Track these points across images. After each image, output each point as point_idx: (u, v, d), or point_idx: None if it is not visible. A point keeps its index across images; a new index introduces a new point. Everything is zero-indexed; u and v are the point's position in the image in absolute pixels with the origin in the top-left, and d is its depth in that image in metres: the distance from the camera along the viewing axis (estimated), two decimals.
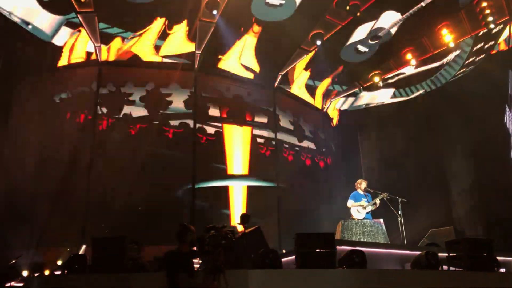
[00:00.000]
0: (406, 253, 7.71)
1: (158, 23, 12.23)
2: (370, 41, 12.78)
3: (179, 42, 12.39)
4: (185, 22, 12.17)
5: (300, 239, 6.37)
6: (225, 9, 10.93)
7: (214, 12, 10.52)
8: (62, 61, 12.26)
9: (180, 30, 12.27)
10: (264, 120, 13.43)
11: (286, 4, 11.08)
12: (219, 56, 12.99)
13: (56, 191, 10.83)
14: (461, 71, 14.30)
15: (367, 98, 15.93)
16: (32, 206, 10.62)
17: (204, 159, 12.13)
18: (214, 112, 12.72)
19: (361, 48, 12.99)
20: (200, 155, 11.98)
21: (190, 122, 12.19)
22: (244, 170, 12.55)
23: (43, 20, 11.28)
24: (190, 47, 12.30)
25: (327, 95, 15.48)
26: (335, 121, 16.25)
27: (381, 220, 9.44)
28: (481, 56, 13.70)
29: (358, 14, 10.85)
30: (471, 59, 13.87)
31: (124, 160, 11.11)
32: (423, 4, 11.17)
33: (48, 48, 11.96)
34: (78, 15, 10.52)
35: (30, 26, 11.20)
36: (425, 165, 14.89)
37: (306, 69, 14.48)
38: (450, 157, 15.18)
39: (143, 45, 12.38)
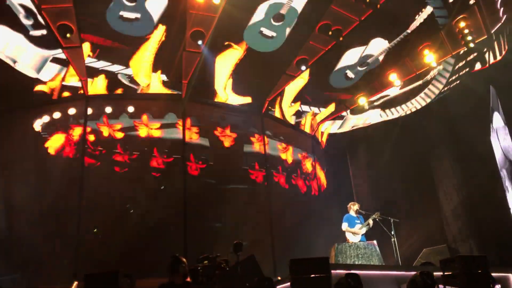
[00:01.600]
0: (402, 273, 7.69)
1: (158, 33, 12.02)
2: (359, 68, 13.13)
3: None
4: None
5: (295, 265, 6.34)
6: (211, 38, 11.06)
7: (199, 42, 10.63)
8: (48, 96, 12.25)
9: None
10: (253, 146, 13.47)
11: (277, 36, 11.37)
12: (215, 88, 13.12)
13: (44, 228, 10.68)
14: (445, 89, 14.55)
15: (354, 120, 16.10)
16: (21, 243, 10.45)
17: (195, 188, 12.06)
18: (204, 141, 12.74)
19: (350, 74, 13.29)
20: (191, 184, 11.94)
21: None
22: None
23: (29, 57, 11.36)
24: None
25: (313, 119, 15.63)
26: (323, 144, 16.34)
27: (375, 242, 9.46)
28: (464, 71, 13.99)
29: (341, 38, 11.02)
30: (454, 77, 14.13)
31: (114, 192, 11.03)
32: (408, 31, 11.51)
33: (35, 84, 11.98)
34: (64, 51, 10.55)
35: (17, 64, 11.28)
36: (415, 183, 14.98)
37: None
38: (439, 175, 15.31)
39: (139, 62, 12.31)
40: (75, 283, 9.66)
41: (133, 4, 10.60)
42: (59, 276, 10.13)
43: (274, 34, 11.49)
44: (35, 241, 10.46)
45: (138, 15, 10.81)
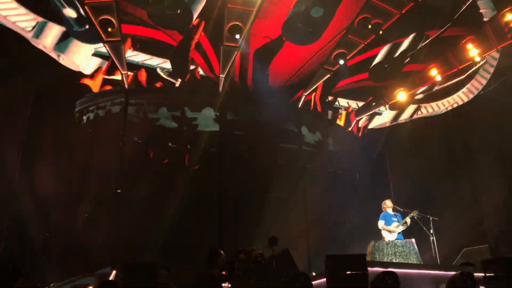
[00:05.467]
0: (440, 273, 7.52)
1: (196, 27, 12.17)
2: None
3: None
4: None
5: (331, 261, 6.27)
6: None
7: (237, 36, 10.64)
8: (90, 89, 12.56)
9: None
10: (289, 140, 13.45)
11: (314, 31, 11.22)
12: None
13: (84, 217, 11.01)
14: (489, 84, 14.10)
15: (392, 115, 15.80)
16: (61, 231, 10.78)
17: (232, 181, 12.15)
18: (240, 134, 12.82)
19: (388, 68, 13.04)
20: (227, 177, 12.03)
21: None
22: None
23: (73, 51, 11.72)
24: None
25: (351, 113, 15.44)
26: (360, 139, 16.11)
27: (413, 240, 9.28)
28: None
29: (380, 32, 10.81)
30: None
31: (152, 184, 11.27)
32: (450, 24, 11.15)
33: (77, 77, 12.32)
34: (105, 45, 10.78)
35: (61, 58, 11.64)
36: (456, 181, 14.60)
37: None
38: (481, 172, 14.85)
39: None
40: (114, 272, 9.92)
41: None
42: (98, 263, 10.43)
43: (311, 29, 11.39)
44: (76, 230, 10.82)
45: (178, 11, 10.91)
